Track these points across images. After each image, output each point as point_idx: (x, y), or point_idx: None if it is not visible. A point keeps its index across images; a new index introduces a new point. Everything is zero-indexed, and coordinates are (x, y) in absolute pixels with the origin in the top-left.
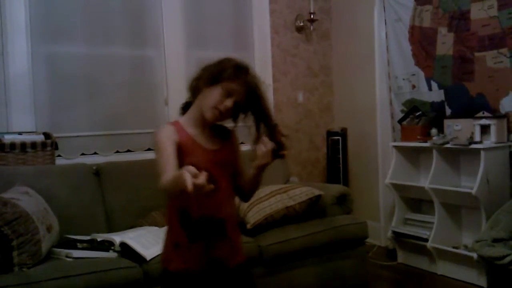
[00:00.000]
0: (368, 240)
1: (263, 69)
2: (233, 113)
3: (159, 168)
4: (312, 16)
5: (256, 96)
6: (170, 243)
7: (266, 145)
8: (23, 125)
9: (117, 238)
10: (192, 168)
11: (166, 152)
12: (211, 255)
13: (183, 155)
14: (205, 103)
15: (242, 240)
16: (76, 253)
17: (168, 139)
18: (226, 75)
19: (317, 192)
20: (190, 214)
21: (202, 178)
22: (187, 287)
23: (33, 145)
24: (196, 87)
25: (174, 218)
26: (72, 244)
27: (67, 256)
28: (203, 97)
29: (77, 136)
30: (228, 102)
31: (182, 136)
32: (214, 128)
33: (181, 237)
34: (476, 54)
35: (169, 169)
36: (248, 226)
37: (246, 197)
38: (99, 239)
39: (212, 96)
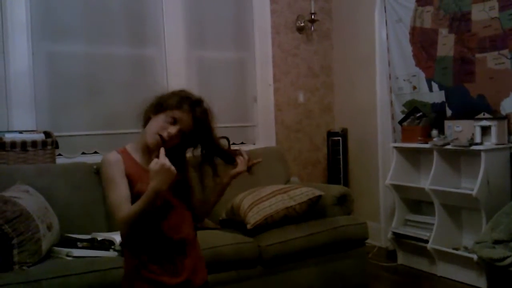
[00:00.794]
0: (368, 241)
1: (263, 69)
2: (181, 144)
3: (113, 206)
4: (313, 17)
5: (204, 128)
6: (131, 266)
7: (244, 154)
8: (23, 123)
9: (117, 237)
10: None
11: (118, 189)
12: (176, 277)
13: (132, 183)
14: (149, 129)
15: (202, 256)
16: (76, 252)
17: (118, 171)
18: (171, 103)
19: (317, 192)
20: (151, 237)
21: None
22: None
23: (34, 143)
24: (145, 114)
25: (135, 242)
26: (73, 243)
27: (67, 255)
28: (149, 124)
29: (78, 135)
30: (172, 129)
31: (129, 165)
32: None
33: (142, 259)
34: (477, 55)
35: (124, 207)
36: (248, 226)
37: (200, 217)
38: (99, 238)
39: (157, 123)
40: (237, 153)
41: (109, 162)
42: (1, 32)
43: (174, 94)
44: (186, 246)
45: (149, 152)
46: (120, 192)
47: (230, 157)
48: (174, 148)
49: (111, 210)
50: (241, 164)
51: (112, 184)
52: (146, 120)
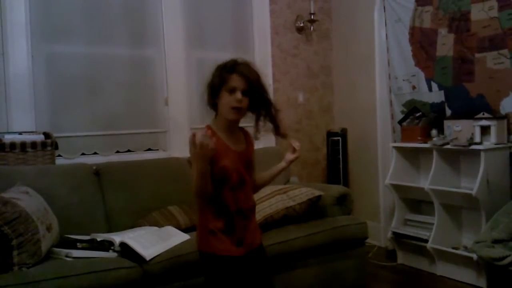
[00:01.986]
0: (368, 240)
1: (263, 69)
2: (250, 105)
3: (192, 175)
4: (312, 17)
5: (255, 79)
6: (206, 231)
7: (296, 142)
8: (23, 125)
9: (117, 238)
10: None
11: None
12: (244, 240)
13: (216, 158)
14: (223, 109)
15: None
16: (75, 253)
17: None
18: (220, 79)
19: (317, 192)
20: (229, 207)
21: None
22: (229, 268)
23: (33, 145)
24: (210, 103)
25: (209, 208)
26: (72, 244)
27: (66, 256)
28: (220, 106)
29: (77, 136)
30: (237, 95)
31: (215, 142)
32: (237, 131)
33: (217, 226)
34: (477, 55)
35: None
36: None
37: (256, 190)
38: (99, 239)
39: (224, 100)
40: (287, 135)
41: (199, 135)
42: (0, 33)
43: (215, 72)
44: (252, 214)
45: (229, 129)
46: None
47: (279, 128)
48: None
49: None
50: (298, 150)
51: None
52: (214, 106)
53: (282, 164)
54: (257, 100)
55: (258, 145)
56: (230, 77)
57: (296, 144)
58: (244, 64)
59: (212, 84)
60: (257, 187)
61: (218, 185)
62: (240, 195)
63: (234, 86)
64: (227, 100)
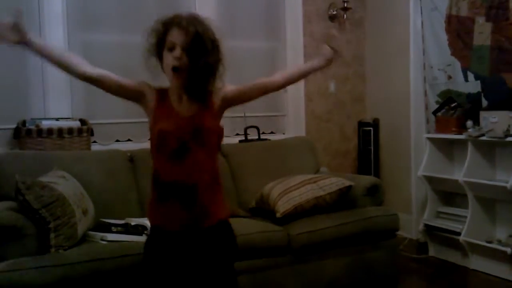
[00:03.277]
0: (399, 232)
1: (294, 58)
2: (196, 64)
3: None
4: (345, 5)
5: (198, 32)
6: (150, 201)
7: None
8: (60, 111)
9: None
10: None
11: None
12: (181, 216)
13: (154, 119)
14: (166, 72)
15: (221, 202)
16: (110, 237)
17: (135, 82)
18: (159, 34)
19: (347, 183)
20: (160, 176)
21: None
22: (162, 241)
23: (70, 131)
24: (155, 64)
25: (151, 178)
26: (107, 228)
27: (101, 239)
28: (164, 68)
29: (112, 123)
30: (175, 53)
31: (159, 100)
32: (194, 93)
33: (153, 196)
34: None
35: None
36: (278, 215)
37: (284, 85)
38: (132, 223)
39: (165, 61)
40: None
41: (143, 81)
42: (38, 22)
43: (153, 26)
44: (197, 193)
45: (178, 91)
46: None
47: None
48: (195, 80)
49: None
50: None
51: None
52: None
53: (318, 61)
54: (200, 57)
55: (288, 134)
56: (169, 32)
57: (334, 33)
58: (187, 16)
59: (153, 43)
60: (283, 83)
61: (155, 151)
62: (180, 166)
63: (174, 42)
64: (165, 61)
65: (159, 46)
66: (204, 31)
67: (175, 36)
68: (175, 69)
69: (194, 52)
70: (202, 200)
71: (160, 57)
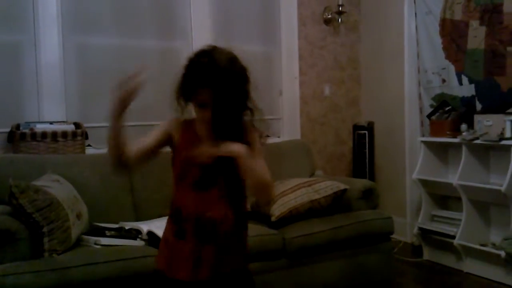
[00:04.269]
0: (393, 236)
1: (289, 62)
2: (221, 100)
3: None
4: (340, 8)
5: (220, 81)
6: (163, 239)
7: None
8: (54, 114)
9: (144, 226)
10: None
11: (145, 136)
12: (194, 256)
13: (179, 149)
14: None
15: (245, 246)
16: (104, 241)
17: (159, 128)
18: (185, 88)
19: (342, 186)
20: (181, 209)
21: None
22: None
23: (64, 134)
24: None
25: (169, 212)
26: (101, 232)
27: (95, 243)
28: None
29: (107, 126)
30: (207, 114)
31: (184, 129)
32: (219, 131)
33: (168, 233)
34: (509, 48)
35: (134, 145)
36: (273, 218)
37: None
38: (127, 228)
39: (196, 113)
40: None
41: (167, 122)
42: (32, 24)
43: (182, 73)
44: (217, 230)
45: (205, 127)
46: (143, 138)
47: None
48: (221, 117)
49: None
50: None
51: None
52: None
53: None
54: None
55: (284, 137)
56: (198, 92)
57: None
58: (206, 62)
59: (181, 91)
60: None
61: (177, 180)
62: (203, 198)
63: (201, 101)
64: (197, 115)
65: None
66: (231, 67)
67: (203, 94)
68: (200, 105)
69: (220, 88)
70: (223, 238)
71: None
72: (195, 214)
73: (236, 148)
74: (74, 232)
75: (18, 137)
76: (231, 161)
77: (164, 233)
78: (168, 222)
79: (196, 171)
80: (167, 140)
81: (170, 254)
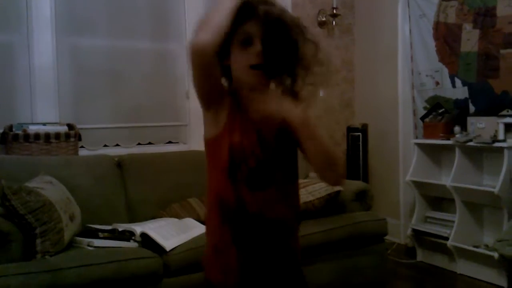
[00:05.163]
0: (387, 237)
1: None
2: (271, 59)
3: None
4: (334, 11)
5: (276, 24)
6: (210, 245)
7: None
8: (47, 116)
9: (138, 228)
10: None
11: None
12: (253, 265)
13: (225, 130)
14: (238, 73)
15: (299, 247)
16: (97, 242)
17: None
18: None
19: (336, 188)
20: (231, 208)
21: None
22: None
23: (57, 136)
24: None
25: (214, 212)
26: (94, 234)
27: (88, 245)
28: (233, 70)
29: (100, 128)
30: (256, 47)
31: (232, 105)
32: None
33: (221, 237)
34: (502, 51)
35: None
36: None
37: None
38: (120, 229)
39: (237, 58)
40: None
41: None
42: (26, 26)
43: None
44: (279, 231)
45: (240, 95)
46: None
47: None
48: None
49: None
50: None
51: None
52: (227, 74)
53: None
54: (280, 52)
55: None
56: (247, 22)
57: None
58: (267, 2)
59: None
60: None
61: (224, 174)
62: (257, 196)
63: (249, 33)
64: (241, 58)
65: (226, 43)
66: (284, 17)
67: (251, 27)
68: (256, 67)
69: (274, 45)
70: (283, 242)
71: (222, 58)
72: (252, 214)
73: (299, 109)
74: (67, 234)
75: (11, 138)
76: (291, 150)
77: (208, 237)
78: (214, 223)
79: (252, 162)
80: (220, 94)
81: (224, 263)
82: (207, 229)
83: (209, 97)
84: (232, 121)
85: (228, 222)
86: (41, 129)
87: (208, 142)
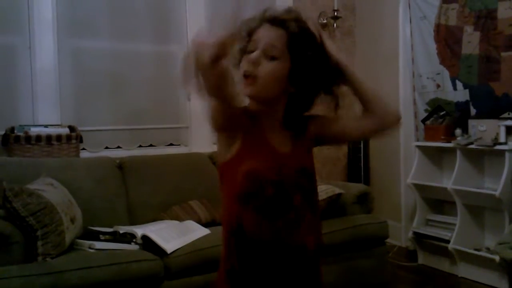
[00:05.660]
0: (388, 240)
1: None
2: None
3: None
4: (335, 13)
5: (293, 27)
6: (222, 271)
7: None
8: (49, 118)
9: (139, 230)
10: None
11: None
12: None
13: (240, 155)
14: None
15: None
16: (98, 245)
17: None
18: (246, 34)
19: (337, 190)
20: (247, 234)
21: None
22: None
23: (59, 138)
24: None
25: (228, 238)
26: (95, 236)
27: (89, 247)
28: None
29: (101, 130)
30: (254, 55)
31: (249, 127)
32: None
33: (235, 263)
34: (503, 53)
35: None
36: None
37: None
38: (121, 231)
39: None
40: None
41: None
42: (27, 28)
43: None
44: (306, 260)
45: (269, 118)
46: None
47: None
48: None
49: None
50: None
51: None
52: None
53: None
54: (302, 65)
55: None
56: (255, 32)
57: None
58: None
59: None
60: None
61: (240, 201)
62: (277, 223)
63: (255, 42)
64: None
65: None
66: (302, 25)
67: (260, 34)
68: (246, 77)
69: (293, 55)
70: (308, 272)
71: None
72: (270, 241)
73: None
74: (68, 236)
75: (13, 140)
76: (306, 172)
77: (223, 260)
78: (229, 246)
79: (270, 190)
80: (239, 124)
81: None
82: (222, 253)
83: (225, 128)
84: (248, 144)
85: (242, 250)
86: (43, 131)
87: (221, 166)
